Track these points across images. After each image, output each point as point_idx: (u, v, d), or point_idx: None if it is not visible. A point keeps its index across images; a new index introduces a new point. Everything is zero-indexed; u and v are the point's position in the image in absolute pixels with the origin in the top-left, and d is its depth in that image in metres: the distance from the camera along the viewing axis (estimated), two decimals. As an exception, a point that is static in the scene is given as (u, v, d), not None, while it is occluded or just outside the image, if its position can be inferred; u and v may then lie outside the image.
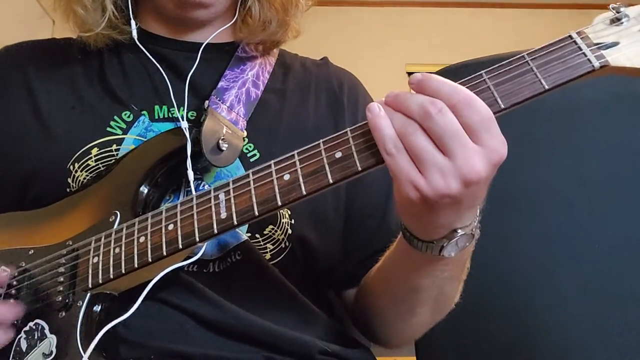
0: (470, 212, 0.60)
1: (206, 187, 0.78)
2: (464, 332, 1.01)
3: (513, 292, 1.00)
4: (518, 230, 1.01)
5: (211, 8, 0.86)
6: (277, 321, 0.76)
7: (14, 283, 0.74)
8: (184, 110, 0.81)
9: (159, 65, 0.83)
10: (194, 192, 0.71)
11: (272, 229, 0.79)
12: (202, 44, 0.87)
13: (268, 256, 0.79)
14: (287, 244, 0.80)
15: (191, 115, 0.82)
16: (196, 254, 0.70)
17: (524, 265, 1.00)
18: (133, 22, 0.86)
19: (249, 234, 0.78)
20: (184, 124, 0.76)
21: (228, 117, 0.81)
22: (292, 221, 0.80)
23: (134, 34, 0.85)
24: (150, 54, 0.84)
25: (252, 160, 0.81)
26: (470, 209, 0.59)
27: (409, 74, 4.03)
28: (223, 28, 0.89)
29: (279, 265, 0.79)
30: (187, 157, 0.74)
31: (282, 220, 0.79)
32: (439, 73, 1.06)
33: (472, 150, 0.53)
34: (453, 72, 1.14)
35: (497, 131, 0.55)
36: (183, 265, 0.69)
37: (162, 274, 0.67)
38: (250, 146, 0.82)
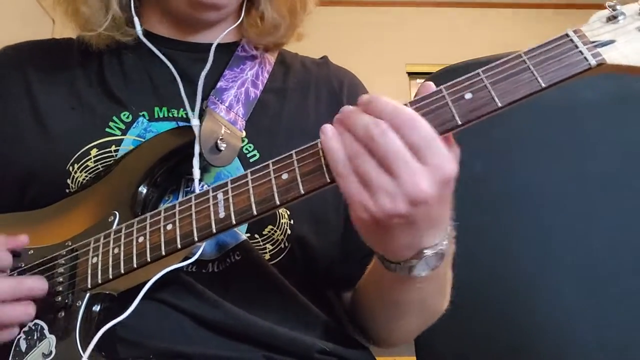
0: (434, 231, 0.59)
1: (205, 187, 0.78)
2: (464, 332, 1.01)
3: (512, 292, 0.99)
4: (516, 231, 1.01)
5: (223, 9, 0.86)
6: (276, 321, 0.76)
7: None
8: (193, 112, 0.81)
9: (170, 66, 0.83)
10: (197, 191, 0.71)
11: (272, 229, 0.79)
12: (207, 44, 0.87)
13: (267, 256, 0.79)
14: (286, 244, 0.80)
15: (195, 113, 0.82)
16: (194, 254, 0.70)
17: (522, 265, 0.99)
18: (137, 21, 0.85)
19: (248, 235, 0.78)
20: (195, 121, 0.77)
21: (227, 117, 0.81)
22: (292, 221, 0.80)
23: (140, 32, 0.85)
24: (153, 55, 0.84)
25: (251, 160, 0.81)
26: (432, 228, 0.59)
27: (409, 74, 4.05)
28: (230, 29, 0.89)
29: (279, 266, 0.79)
30: (194, 156, 0.74)
31: (281, 221, 0.79)
32: (439, 73, 1.07)
33: (416, 169, 0.53)
34: (453, 72, 1.13)
35: (441, 149, 0.54)
36: (182, 266, 0.69)
37: (159, 274, 0.67)
38: (250, 146, 0.82)
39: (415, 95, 0.60)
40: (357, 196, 0.56)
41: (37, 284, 0.70)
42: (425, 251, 0.60)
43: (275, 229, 0.79)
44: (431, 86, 0.59)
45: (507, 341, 0.99)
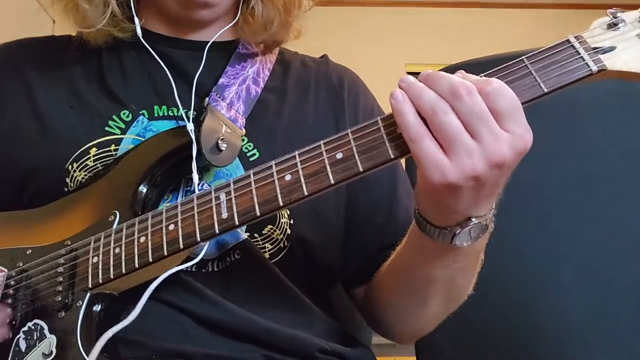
0: (488, 200, 0.60)
1: (205, 186, 0.78)
2: (464, 332, 1.01)
3: (514, 292, 1.00)
4: (518, 230, 1.01)
5: (215, 8, 0.86)
6: (276, 320, 0.76)
7: (12, 283, 0.74)
8: (189, 111, 0.81)
9: (164, 66, 0.83)
10: (197, 192, 0.71)
11: (271, 228, 0.79)
12: (204, 42, 0.87)
13: (267, 256, 0.79)
14: (285, 243, 0.80)
15: (192, 114, 0.82)
16: (198, 255, 0.70)
17: (523, 265, 1.00)
18: (137, 20, 0.85)
19: (248, 234, 0.78)
20: (190, 126, 0.76)
21: (227, 115, 0.81)
22: (291, 221, 0.80)
23: (139, 32, 0.85)
24: (151, 53, 0.84)
25: (251, 159, 0.81)
26: (489, 197, 0.60)
27: (409, 74, 4.03)
28: (226, 27, 0.89)
29: (278, 265, 0.80)
30: (192, 159, 0.74)
31: (281, 220, 0.79)
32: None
33: (499, 134, 0.55)
34: (453, 72, 1.14)
35: (524, 120, 0.56)
36: (185, 267, 0.69)
37: (162, 277, 0.67)
38: (249, 145, 0.82)
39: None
40: (434, 159, 0.56)
41: None
42: (472, 219, 0.61)
43: (274, 228, 0.79)
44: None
45: (508, 341, 1.00)
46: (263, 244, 0.79)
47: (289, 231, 0.80)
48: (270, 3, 0.88)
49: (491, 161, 0.54)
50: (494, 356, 1.01)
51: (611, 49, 0.54)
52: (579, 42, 0.55)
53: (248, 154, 0.81)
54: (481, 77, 0.57)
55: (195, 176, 0.74)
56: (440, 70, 1.06)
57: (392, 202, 0.88)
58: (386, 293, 0.83)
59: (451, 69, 1.06)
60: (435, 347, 1.04)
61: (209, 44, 0.86)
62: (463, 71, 0.58)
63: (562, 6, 4.19)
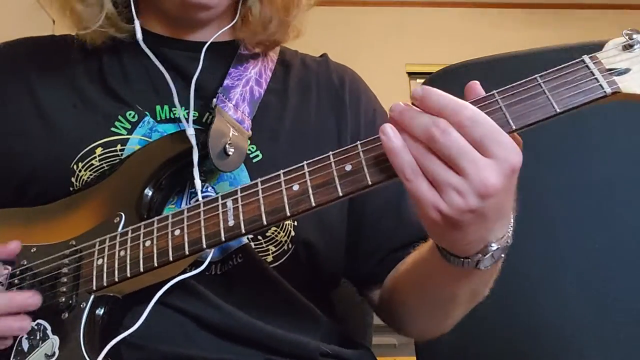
0: (500, 223, 0.60)
1: (209, 189, 0.78)
2: (464, 332, 1.01)
3: (514, 292, 0.99)
4: (520, 231, 1.01)
5: (213, 9, 0.85)
6: (278, 324, 0.77)
7: (16, 281, 0.74)
8: (187, 112, 0.80)
9: (162, 68, 0.82)
10: (200, 199, 0.71)
11: (275, 231, 0.79)
12: (204, 43, 0.86)
13: (270, 258, 0.79)
14: (289, 246, 0.80)
15: (194, 116, 0.81)
16: (204, 260, 0.70)
17: (525, 267, 0.99)
18: (137, 22, 0.84)
19: (251, 236, 0.78)
20: (190, 131, 0.76)
21: (234, 116, 0.81)
22: (295, 223, 0.80)
23: (139, 35, 0.84)
24: (152, 54, 0.84)
25: (254, 161, 0.81)
26: (499, 220, 0.59)
27: (409, 74, 4.04)
28: (226, 28, 0.88)
29: (281, 267, 0.80)
30: (193, 166, 0.74)
31: (285, 223, 0.79)
32: (439, 73, 1.06)
33: (482, 164, 0.54)
34: (453, 72, 1.13)
35: (507, 140, 0.55)
36: (193, 275, 0.69)
37: (168, 285, 0.67)
38: (252, 147, 0.82)
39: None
40: (427, 197, 0.55)
41: (30, 301, 0.69)
42: (492, 245, 0.60)
43: (278, 230, 0.79)
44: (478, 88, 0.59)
45: (509, 342, 1.00)
46: (267, 246, 0.79)
47: (292, 234, 0.80)
48: (268, 3, 0.88)
49: (481, 193, 0.54)
50: (495, 356, 1.01)
51: (626, 71, 0.53)
52: (593, 63, 0.55)
53: (251, 156, 0.81)
54: (493, 93, 0.57)
55: (198, 182, 0.74)
56: (440, 70, 1.07)
57: (399, 205, 0.88)
58: (408, 300, 0.83)
59: (451, 69, 1.06)
60: (435, 347, 1.04)
61: (206, 44, 0.85)
62: (424, 88, 0.57)
63: (563, 6, 4.19)
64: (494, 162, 0.54)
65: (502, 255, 0.63)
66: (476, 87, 0.59)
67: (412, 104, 0.57)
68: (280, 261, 0.80)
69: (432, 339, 0.89)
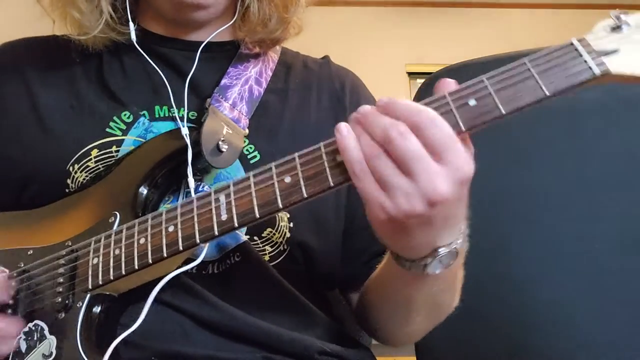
0: (449, 230, 0.60)
1: (206, 188, 0.78)
2: (464, 332, 1.01)
3: (513, 292, 0.99)
4: (518, 232, 1.01)
5: (210, 9, 0.85)
6: (276, 322, 0.76)
7: (13, 284, 0.74)
8: (184, 111, 0.81)
9: (157, 68, 0.82)
10: (196, 194, 0.71)
11: (271, 231, 0.79)
12: (202, 43, 0.86)
13: (267, 258, 0.79)
14: (285, 247, 0.80)
15: (192, 115, 0.82)
16: (198, 256, 0.70)
17: (523, 266, 0.99)
18: (132, 25, 0.84)
19: (247, 237, 0.78)
20: (185, 130, 0.76)
21: (230, 116, 0.81)
22: (291, 224, 0.80)
23: (133, 37, 0.84)
24: (150, 54, 0.84)
25: (252, 161, 0.81)
26: (447, 227, 0.59)
27: (409, 74, 4.04)
28: (224, 27, 0.88)
29: (278, 268, 0.80)
30: (188, 164, 0.74)
31: (281, 224, 0.79)
32: (438, 73, 1.06)
33: (434, 171, 0.53)
34: (453, 72, 1.13)
35: (460, 150, 0.54)
36: (187, 269, 0.69)
37: (164, 281, 0.67)
38: (250, 147, 0.82)
39: (416, 96, 0.60)
40: (374, 196, 0.56)
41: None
42: (439, 250, 0.60)
43: (274, 231, 0.79)
44: (451, 83, 0.59)
45: (507, 342, 0.99)
46: (263, 246, 0.79)
47: (288, 235, 0.79)
48: (267, 1, 0.88)
49: (430, 200, 0.54)
50: (494, 356, 1.01)
51: (615, 51, 0.53)
52: (582, 45, 0.54)
53: (249, 156, 0.81)
54: (482, 78, 0.57)
55: (191, 181, 0.74)
56: (441, 70, 1.07)
57: None
58: (373, 304, 0.84)
59: (451, 69, 1.06)
60: (435, 347, 1.04)
61: (202, 44, 0.85)
62: (390, 97, 0.58)
63: (563, 6, 4.18)
64: (446, 170, 0.54)
65: (452, 262, 0.63)
66: (449, 83, 0.59)
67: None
68: (277, 261, 0.80)
69: (400, 345, 0.89)
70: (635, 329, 0.92)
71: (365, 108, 0.58)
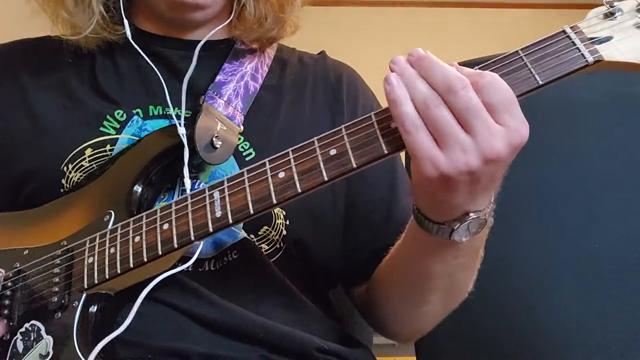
0: (485, 195, 0.59)
1: (201, 185, 0.78)
2: (464, 332, 1.01)
3: (513, 293, 0.99)
4: (518, 231, 1.00)
5: (208, 9, 0.85)
6: (274, 319, 0.76)
7: (9, 284, 0.74)
8: (180, 111, 0.80)
9: (154, 66, 0.82)
10: (189, 193, 0.71)
11: (267, 229, 0.78)
12: (199, 42, 0.85)
13: None
14: (281, 244, 0.79)
15: (186, 114, 0.81)
16: (193, 254, 0.70)
17: (523, 266, 0.99)
18: (126, 23, 0.84)
19: (245, 234, 0.77)
20: (182, 130, 0.76)
21: (225, 112, 0.81)
22: (287, 222, 0.79)
23: (128, 34, 0.84)
24: (145, 53, 0.83)
25: (247, 159, 0.80)
26: (485, 191, 0.59)
27: (409, 74, 4.03)
28: (220, 27, 0.87)
29: (275, 265, 0.79)
30: (184, 163, 0.74)
31: (277, 221, 0.79)
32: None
33: (494, 128, 0.53)
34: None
35: (519, 113, 0.54)
36: (182, 269, 0.69)
37: (158, 279, 0.67)
38: (245, 144, 0.81)
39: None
40: (427, 152, 0.54)
41: None
42: (471, 214, 0.60)
43: (270, 229, 0.78)
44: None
45: (508, 342, 0.99)
46: (259, 244, 0.78)
47: (284, 232, 0.79)
48: (263, 0, 0.87)
49: (486, 156, 0.53)
50: (494, 356, 1.00)
51: (608, 39, 0.53)
52: (574, 33, 0.54)
53: (244, 153, 0.81)
54: (475, 69, 0.57)
55: (187, 180, 0.74)
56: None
57: (392, 201, 0.87)
58: (385, 290, 0.83)
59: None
60: (435, 347, 1.04)
61: (200, 43, 0.85)
62: (457, 64, 0.57)
63: (563, 6, 4.17)
64: (505, 130, 0.54)
65: (478, 231, 0.62)
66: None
67: None
68: (273, 259, 0.79)
69: (408, 339, 0.88)
70: (635, 328, 0.92)
71: (419, 52, 0.57)
